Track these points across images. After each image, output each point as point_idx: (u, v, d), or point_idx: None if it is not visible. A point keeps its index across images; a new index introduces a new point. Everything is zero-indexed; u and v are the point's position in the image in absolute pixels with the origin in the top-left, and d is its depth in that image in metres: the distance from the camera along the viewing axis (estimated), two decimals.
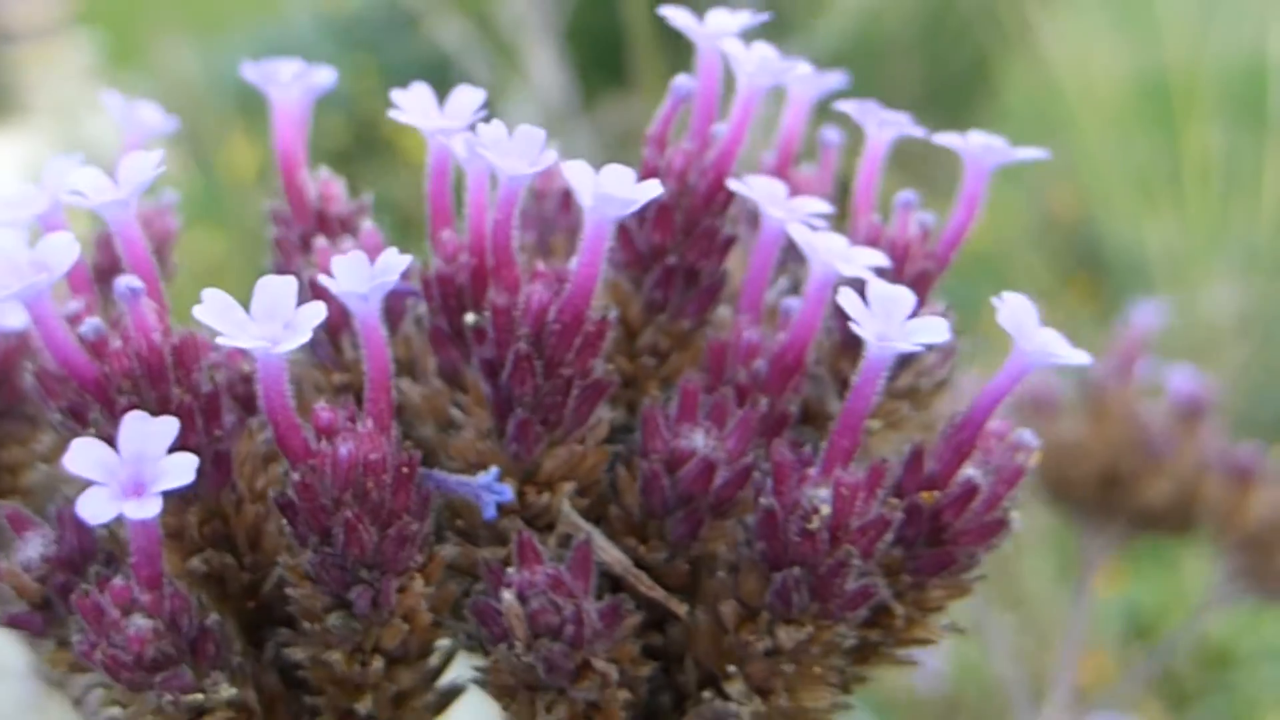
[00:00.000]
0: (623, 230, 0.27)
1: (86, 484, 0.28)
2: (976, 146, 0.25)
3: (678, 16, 0.29)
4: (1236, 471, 0.57)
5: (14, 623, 0.26)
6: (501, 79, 3.51)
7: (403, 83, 0.40)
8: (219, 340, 0.24)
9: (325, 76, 0.33)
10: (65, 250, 0.23)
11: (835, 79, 0.30)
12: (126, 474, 0.22)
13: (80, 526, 0.25)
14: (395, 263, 0.24)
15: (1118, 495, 0.56)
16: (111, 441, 0.23)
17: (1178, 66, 3.19)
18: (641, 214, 0.25)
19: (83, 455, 0.22)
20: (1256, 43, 3.35)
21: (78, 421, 0.26)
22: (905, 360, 0.28)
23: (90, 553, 0.27)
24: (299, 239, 0.34)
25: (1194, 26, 3.42)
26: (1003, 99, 4.33)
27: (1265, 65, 3.25)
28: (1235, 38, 3.47)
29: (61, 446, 0.30)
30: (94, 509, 0.21)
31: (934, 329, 0.24)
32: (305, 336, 0.23)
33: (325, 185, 0.34)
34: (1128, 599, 2.54)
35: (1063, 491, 0.57)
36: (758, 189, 0.25)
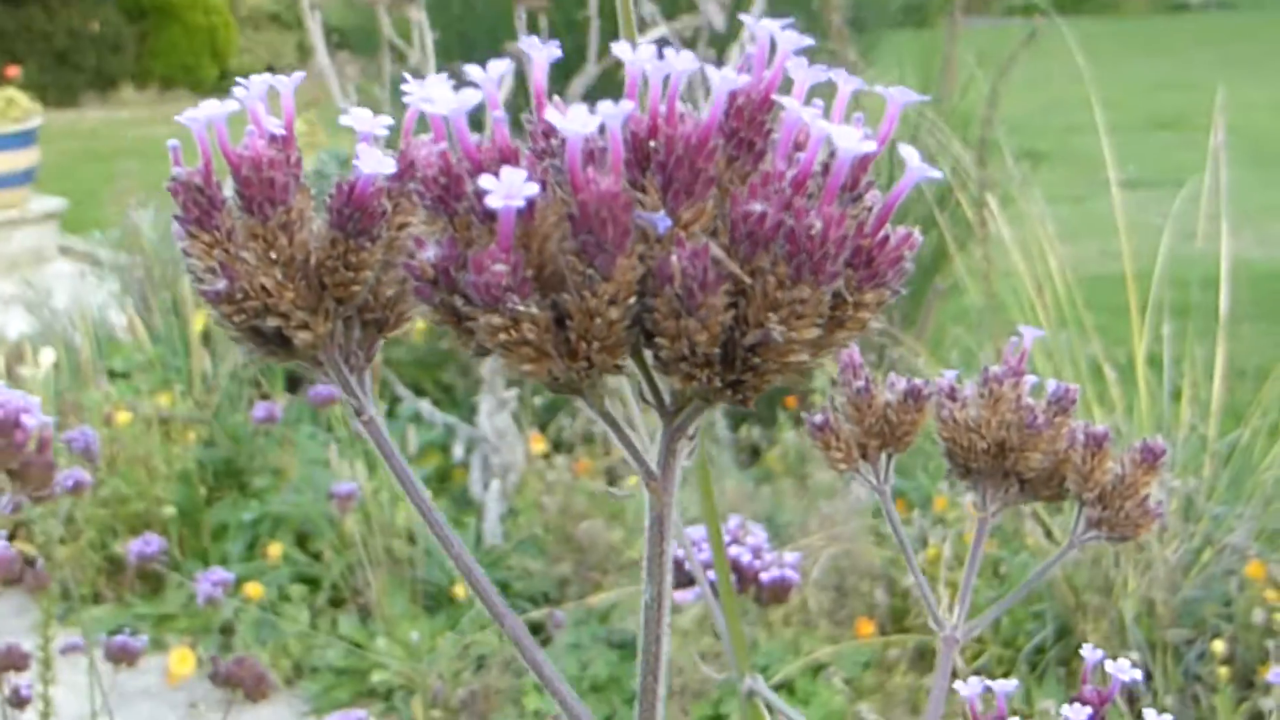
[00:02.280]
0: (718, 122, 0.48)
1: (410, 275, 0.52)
2: (895, 90, 0.46)
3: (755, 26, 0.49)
4: (1093, 441, 0.80)
5: (418, 292, 0.47)
6: None
7: None
8: (559, 127, 0.45)
9: (555, 51, 0.53)
10: (472, 96, 0.43)
11: (822, 71, 0.50)
12: (503, 191, 0.42)
13: (452, 242, 0.47)
14: (627, 106, 0.45)
15: (1007, 462, 0.80)
16: (480, 197, 0.43)
17: (1133, 265, 3.48)
18: (727, 111, 0.47)
19: (486, 180, 0.43)
20: (1210, 246, 3.66)
21: (442, 206, 0.48)
22: (857, 199, 0.49)
23: (458, 256, 0.48)
24: (543, 133, 0.55)
25: (1150, 228, 3.74)
26: (961, 297, 4.61)
27: (1218, 267, 3.57)
28: (1189, 240, 3.77)
29: (392, 253, 0.54)
30: (492, 202, 0.42)
31: (869, 145, 0.44)
32: (594, 127, 0.44)
33: (559, 105, 0.54)
34: None
35: (968, 459, 0.81)
36: (786, 100, 0.47)
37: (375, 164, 0.52)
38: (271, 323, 0.52)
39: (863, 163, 0.51)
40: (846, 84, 0.52)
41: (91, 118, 13.40)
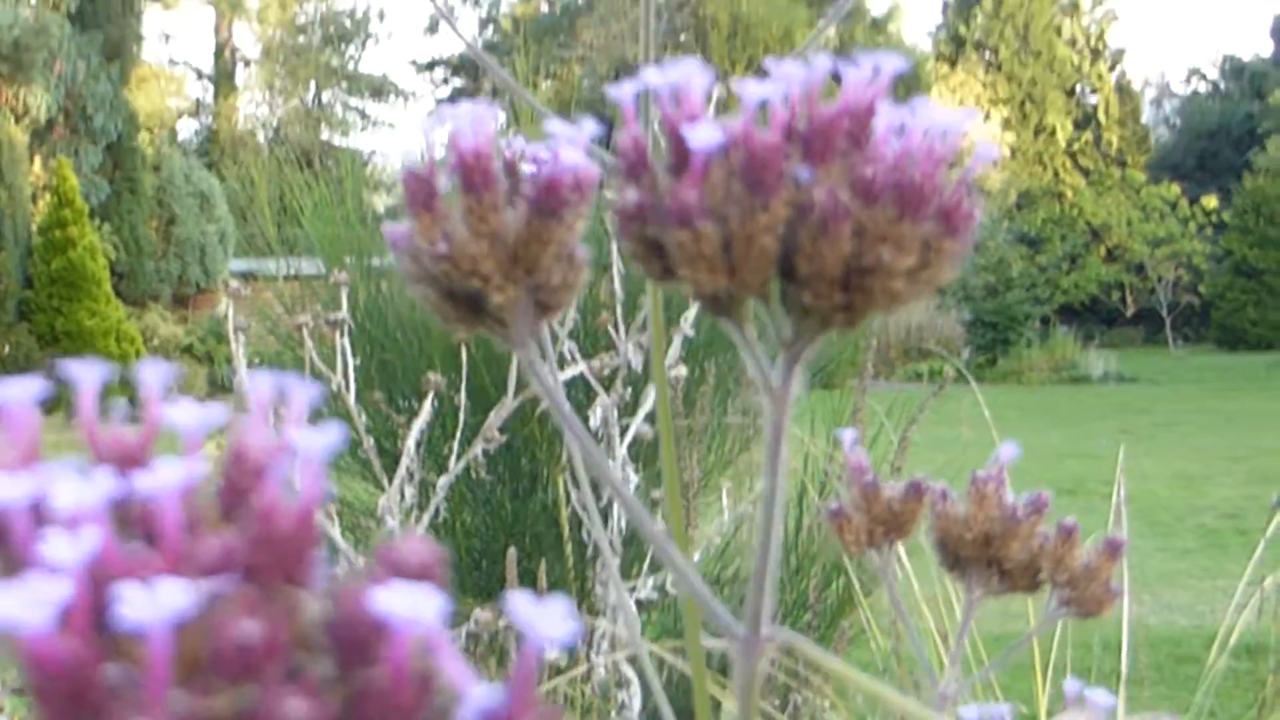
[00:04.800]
0: None
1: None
2: (962, 110, 0.61)
3: None
4: (1064, 531, 0.97)
5: (621, 228, 0.63)
6: None
7: None
8: (739, 93, 0.63)
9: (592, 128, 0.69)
10: (586, 130, 0.59)
11: (900, 105, 0.65)
12: (699, 138, 0.61)
13: (646, 191, 0.64)
14: (781, 88, 0.63)
15: (990, 551, 0.96)
16: (677, 147, 0.61)
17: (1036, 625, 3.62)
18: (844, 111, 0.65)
19: (687, 128, 0.60)
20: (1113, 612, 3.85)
21: (635, 171, 0.66)
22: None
23: (650, 200, 0.63)
24: None
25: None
26: (867, 644, 4.77)
27: (1118, 630, 3.76)
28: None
29: (564, 247, 0.72)
30: (693, 144, 0.60)
31: (965, 122, 0.62)
32: (766, 94, 0.62)
33: None
34: None
35: (957, 549, 0.96)
36: (885, 106, 0.64)
37: (572, 157, 0.70)
38: (475, 284, 0.70)
39: (940, 155, 0.71)
40: (926, 103, 0.72)
41: None
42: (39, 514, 0.40)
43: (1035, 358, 21.55)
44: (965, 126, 0.72)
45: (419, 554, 0.43)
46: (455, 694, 0.40)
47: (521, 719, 0.39)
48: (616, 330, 3.92)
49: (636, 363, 4.57)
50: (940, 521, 1.07)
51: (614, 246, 3.11)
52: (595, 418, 3.31)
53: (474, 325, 0.72)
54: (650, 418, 3.29)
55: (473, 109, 0.72)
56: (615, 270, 3.36)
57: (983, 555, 1.05)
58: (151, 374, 0.46)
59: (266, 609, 0.39)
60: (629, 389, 4.51)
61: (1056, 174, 30.20)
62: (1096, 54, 31.47)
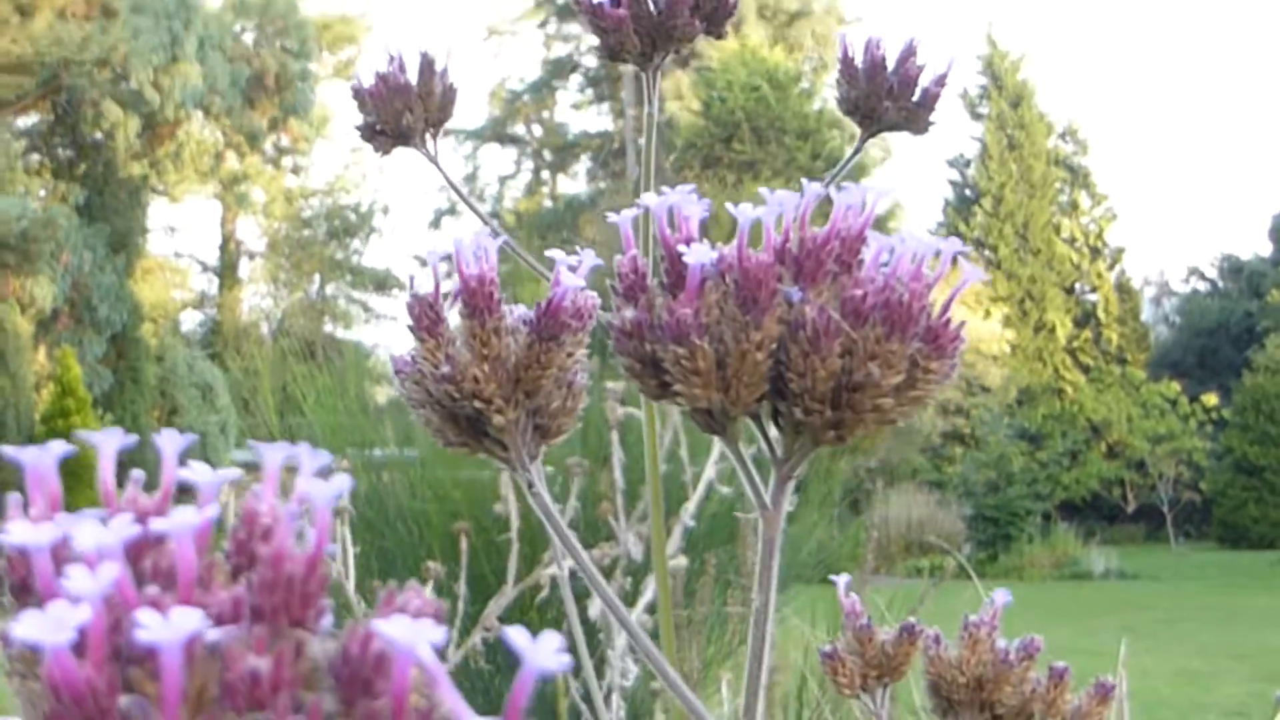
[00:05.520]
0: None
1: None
2: (949, 241, 0.63)
3: None
4: (1055, 675, 0.98)
5: (618, 344, 0.65)
6: None
7: None
8: (736, 213, 0.65)
9: (591, 258, 0.71)
10: (586, 259, 0.63)
11: (890, 238, 0.67)
12: (694, 256, 0.62)
13: (643, 309, 0.66)
14: (775, 208, 0.65)
15: (983, 695, 0.97)
16: (671, 268, 0.63)
17: None
18: (835, 236, 0.67)
19: (683, 248, 0.63)
20: None
21: (633, 291, 0.69)
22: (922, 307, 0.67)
23: (647, 318, 0.66)
24: None
25: None
26: None
27: None
28: None
29: (562, 374, 0.74)
30: (688, 260, 0.62)
31: (951, 245, 0.64)
32: (758, 215, 0.64)
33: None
34: None
35: (950, 693, 0.97)
36: (873, 234, 0.67)
37: (571, 281, 0.73)
38: (476, 405, 0.72)
39: (927, 279, 0.74)
40: (912, 233, 0.75)
41: None
42: (62, 557, 0.42)
43: (1036, 554, 21.46)
44: (950, 250, 0.74)
45: (419, 601, 0.44)
46: None
47: None
48: (617, 520, 3.90)
49: (636, 552, 4.54)
50: (934, 665, 1.07)
51: (614, 436, 3.13)
52: (594, 608, 3.29)
53: (474, 448, 0.74)
54: (650, 608, 3.27)
55: (475, 238, 0.74)
56: (616, 459, 3.38)
57: (975, 699, 1.06)
58: (169, 442, 0.48)
59: (274, 647, 0.40)
60: (629, 579, 4.49)
61: (1057, 371, 30.40)
62: (1096, 252, 31.92)
